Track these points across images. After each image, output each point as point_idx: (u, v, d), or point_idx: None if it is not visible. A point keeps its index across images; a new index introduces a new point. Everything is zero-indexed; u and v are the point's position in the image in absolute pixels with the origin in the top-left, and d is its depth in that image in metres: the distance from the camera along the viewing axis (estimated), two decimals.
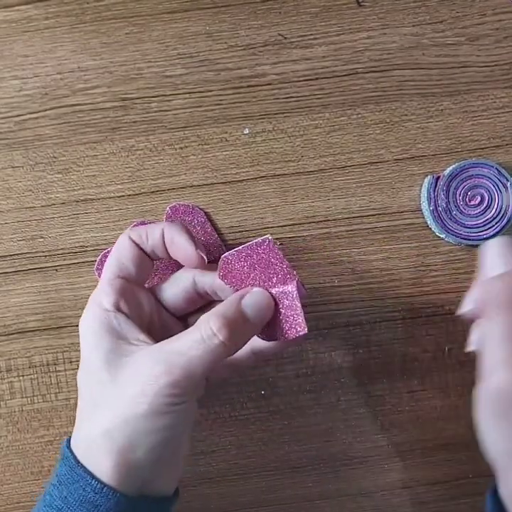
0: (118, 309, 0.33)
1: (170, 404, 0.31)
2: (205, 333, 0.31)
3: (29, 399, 0.42)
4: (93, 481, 0.31)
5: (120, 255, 0.35)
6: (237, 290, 0.34)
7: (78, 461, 0.32)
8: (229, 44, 0.42)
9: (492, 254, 0.33)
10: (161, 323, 0.36)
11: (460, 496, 0.43)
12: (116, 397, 0.31)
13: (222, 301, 0.34)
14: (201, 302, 0.37)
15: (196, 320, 0.33)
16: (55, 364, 0.42)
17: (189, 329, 0.32)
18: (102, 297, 0.34)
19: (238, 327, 0.32)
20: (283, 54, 0.42)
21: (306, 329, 0.33)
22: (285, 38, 0.42)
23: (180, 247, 0.34)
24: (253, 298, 0.33)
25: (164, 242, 0.35)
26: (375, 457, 0.42)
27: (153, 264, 0.37)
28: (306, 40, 0.42)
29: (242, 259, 0.34)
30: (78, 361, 0.41)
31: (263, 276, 0.34)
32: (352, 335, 0.42)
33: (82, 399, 0.34)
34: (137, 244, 0.35)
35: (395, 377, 0.42)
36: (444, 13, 0.42)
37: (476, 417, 0.31)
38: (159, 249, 0.35)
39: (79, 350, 0.42)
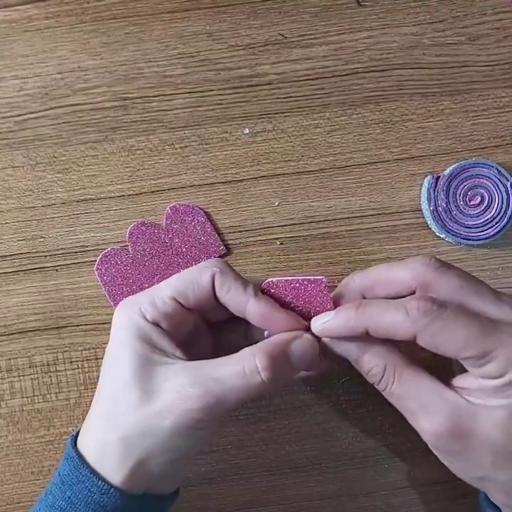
0: (157, 325, 0.32)
1: (194, 427, 0.30)
2: (248, 368, 0.30)
3: (29, 399, 0.42)
4: (99, 481, 0.31)
5: (192, 287, 0.33)
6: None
7: (84, 461, 0.31)
8: (229, 44, 0.42)
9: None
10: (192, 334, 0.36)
11: (460, 496, 0.43)
12: (141, 405, 0.30)
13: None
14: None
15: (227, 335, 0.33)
16: (55, 364, 0.42)
17: (231, 357, 0.31)
18: (146, 307, 0.32)
19: (281, 369, 0.31)
20: (283, 54, 0.42)
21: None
22: (285, 37, 0.42)
23: (278, 322, 0.33)
24: (302, 345, 0.32)
25: (241, 312, 0.33)
26: (375, 457, 0.42)
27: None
28: (306, 39, 0.42)
29: (289, 289, 0.33)
30: (79, 361, 0.42)
31: (303, 311, 0.34)
32: None
33: (101, 397, 0.33)
34: (213, 284, 0.33)
35: None
36: (445, 13, 0.42)
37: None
38: (233, 312, 0.34)
39: (79, 350, 0.42)
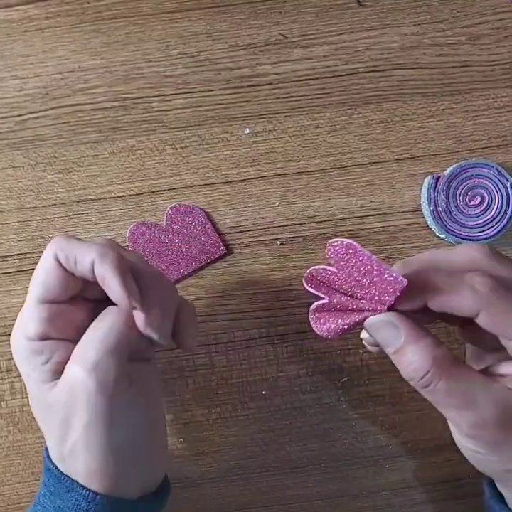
0: (46, 338, 0.32)
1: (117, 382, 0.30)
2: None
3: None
4: (83, 490, 0.31)
5: (46, 278, 0.31)
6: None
7: (62, 472, 0.32)
8: (230, 44, 0.42)
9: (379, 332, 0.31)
10: None
11: (460, 496, 0.43)
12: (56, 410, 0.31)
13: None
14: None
15: None
16: None
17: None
18: (27, 325, 0.31)
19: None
20: (284, 54, 0.42)
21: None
22: (286, 37, 0.42)
23: (112, 289, 0.30)
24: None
25: (94, 274, 0.31)
26: (375, 457, 0.42)
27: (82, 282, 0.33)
28: (306, 39, 0.42)
29: (362, 265, 0.30)
30: None
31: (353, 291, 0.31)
32: (352, 335, 0.42)
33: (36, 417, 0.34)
34: (63, 267, 0.31)
35: (395, 377, 0.42)
36: (445, 13, 0.42)
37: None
38: (90, 278, 0.31)
39: None
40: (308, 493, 0.43)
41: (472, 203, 0.41)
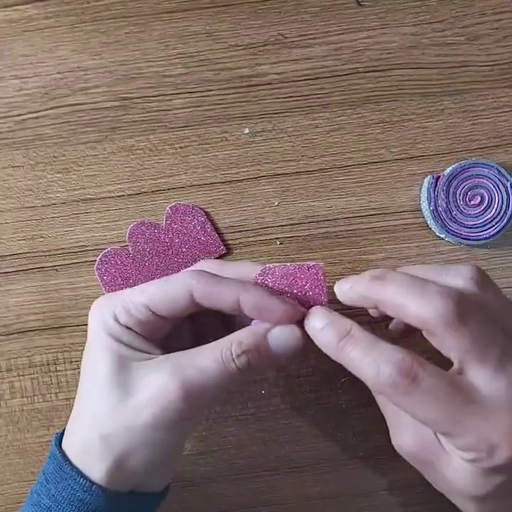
0: (130, 329, 0.32)
1: (174, 420, 0.30)
2: (224, 355, 0.30)
3: (29, 398, 0.42)
4: (81, 479, 0.31)
5: (168, 300, 0.31)
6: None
7: (66, 459, 0.31)
8: (229, 43, 0.42)
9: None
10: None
11: None
12: (120, 402, 0.30)
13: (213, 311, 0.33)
14: (198, 310, 0.34)
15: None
16: (55, 364, 0.42)
17: (208, 346, 0.31)
18: (120, 311, 0.32)
19: (258, 357, 0.31)
20: (283, 53, 0.42)
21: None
22: (285, 37, 0.42)
23: (274, 309, 0.31)
24: (282, 333, 0.31)
25: (239, 306, 0.31)
26: (375, 457, 0.42)
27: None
28: (306, 39, 0.42)
29: (284, 276, 0.32)
30: (79, 361, 0.42)
31: (300, 297, 0.32)
32: None
33: (82, 396, 0.33)
34: (191, 297, 0.31)
35: None
36: (444, 13, 0.42)
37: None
38: (228, 310, 0.31)
39: (79, 350, 0.42)
40: (308, 492, 0.43)
41: (472, 202, 0.41)
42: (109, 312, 0.32)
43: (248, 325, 0.32)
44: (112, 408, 0.31)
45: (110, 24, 0.42)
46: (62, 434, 0.34)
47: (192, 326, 0.36)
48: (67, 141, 0.42)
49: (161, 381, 0.30)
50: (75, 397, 0.41)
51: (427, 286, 0.29)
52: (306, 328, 0.31)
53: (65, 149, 0.42)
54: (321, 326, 0.31)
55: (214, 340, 0.31)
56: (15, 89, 0.42)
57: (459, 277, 0.31)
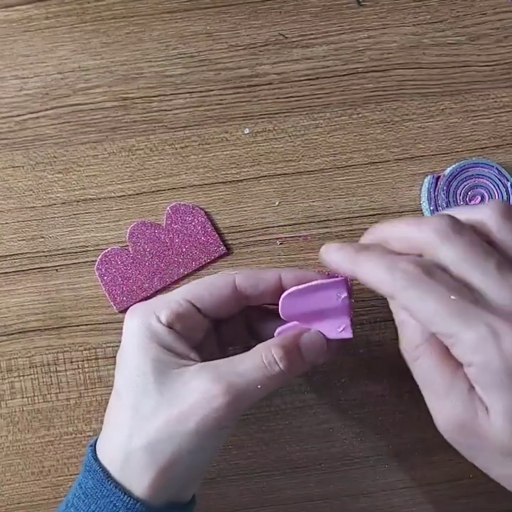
0: (171, 327, 0.32)
1: (219, 426, 0.30)
2: (266, 359, 0.31)
3: (30, 399, 0.42)
4: (125, 497, 0.30)
5: (210, 289, 0.33)
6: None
7: (107, 474, 0.31)
8: (229, 44, 0.42)
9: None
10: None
11: (460, 496, 0.43)
12: (163, 410, 0.30)
13: (256, 306, 0.35)
14: (236, 308, 0.35)
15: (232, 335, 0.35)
16: (55, 364, 0.42)
17: (248, 353, 0.32)
18: (161, 310, 0.32)
19: (295, 360, 0.32)
20: (283, 53, 0.42)
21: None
22: (286, 37, 0.42)
23: (311, 275, 0.34)
24: (312, 338, 0.33)
25: (281, 282, 0.34)
26: (375, 457, 0.42)
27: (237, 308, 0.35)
28: (306, 39, 0.42)
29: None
30: (79, 361, 0.42)
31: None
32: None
33: (120, 404, 0.32)
34: (233, 285, 0.33)
35: (395, 377, 0.42)
36: (445, 13, 0.42)
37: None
38: (268, 294, 0.34)
39: (79, 350, 0.42)
40: (308, 493, 0.43)
41: (472, 202, 0.41)
42: (149, 314, 0.32)
43: (273, 336, 0.34)
44: (155, 416, 0.31)
45: (110, 24, 0.42)
46: (94, 442, 0.33)
47: (217, 337, 0.37)
48: (67, 142, 0.42)
49: (205, 387, 0.30)
50: (75, 398, 0.42)
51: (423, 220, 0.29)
52: (324, 256, 0.31)
53: (66, 149, 0.42)
54: (337, 247, 0.31)
55: (240, 351, 0.33)
56: (15, 90, 0.42)
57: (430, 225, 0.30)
